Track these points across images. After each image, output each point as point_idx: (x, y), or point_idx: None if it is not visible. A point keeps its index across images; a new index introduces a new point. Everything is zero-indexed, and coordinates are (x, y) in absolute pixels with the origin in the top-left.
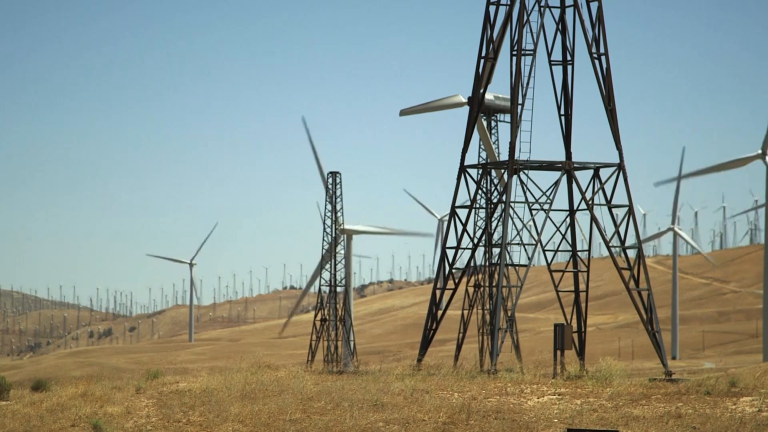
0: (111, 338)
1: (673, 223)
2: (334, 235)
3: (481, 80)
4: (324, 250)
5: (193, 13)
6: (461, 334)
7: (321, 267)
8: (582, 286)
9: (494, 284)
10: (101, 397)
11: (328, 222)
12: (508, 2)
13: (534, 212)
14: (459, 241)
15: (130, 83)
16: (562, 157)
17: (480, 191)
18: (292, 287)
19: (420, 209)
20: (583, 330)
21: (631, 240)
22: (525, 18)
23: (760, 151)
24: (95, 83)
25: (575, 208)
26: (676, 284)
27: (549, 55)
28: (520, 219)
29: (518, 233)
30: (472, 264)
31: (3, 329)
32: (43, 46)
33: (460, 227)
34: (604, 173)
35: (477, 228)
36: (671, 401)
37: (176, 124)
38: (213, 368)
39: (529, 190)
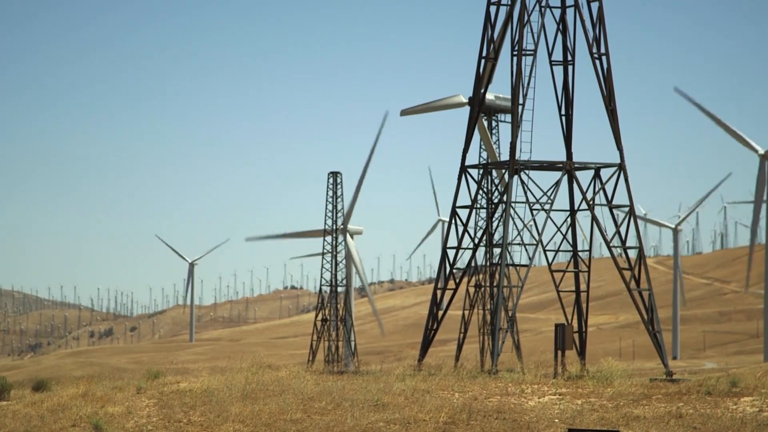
0: (112, 338)
1: (676, 224)
2: (334, 231)
3: (482, 80)
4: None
5: (196, 11)
6: (462, 335)
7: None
8: (583, 286)
9: (495, 284)
10: (102, 397)
11: (329, 222)
12: (509, 2)
13: (535, 212)
14: (460, 241)
15: (130, 84)
16: (563, 157)
17: (481, 191)
18: (292, 287)
19: (419, 209)
20: (583, 330)
21: (632, 240)
22: (526, 18)
23: (762, 151)
24: (95, 83)
25: (576, 208)
26: (676, 284)
27: (550, 55)
28: (520, 219)
29: (519, 233)
30: (472, 264)
31: (4, 329)
32: (43, 46)
33: (461, 227)
34: (604, 173)
35: (478, 228)
36: (672, 401)
37: (177, 124)
38: (214, 368)
39: (530, 190)
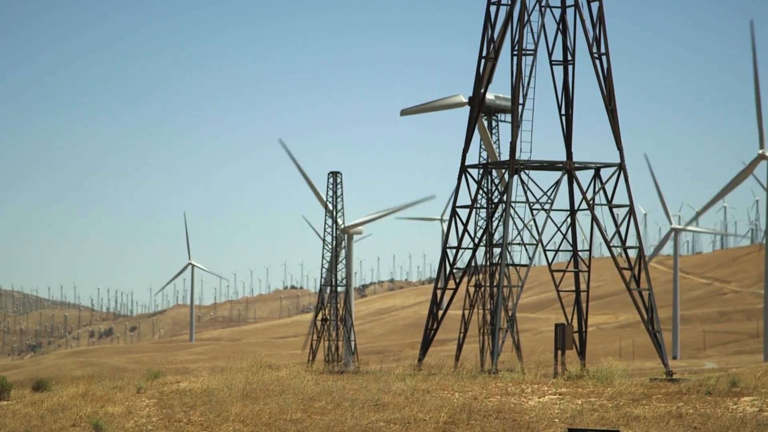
0: (112, 338)
1: (673, 222)
2: (334, 231)
3: (482, 80)
4: (330, 246)
5: (196, 11)
6: (462, 334)
7: (333, 265)
8: (583, 286)
9: (495, 284)
10: (102, 397)
11: (329, 222)
12: (509, 2)
13: (535, 212)
14: (460, 241)
15: (130, 83)
16: (563, 157)
17: (481, 191)
18: (292, 287)
19: (419, 209)
20: (583, 330)
21: (632, 240)
22: (526, 18)
23: (760, 151)
24: (95, 83)
25: (576, 208)
26: (677, 284)
27: (550, 54)
28: (521, 219)
29: (519, 233)
30: (472, 264)
31: (4, 329)
32: (43, 46)
33: (461, 227)
34: (604, 173)
35: (478, 228)
36: (672, 401)
37: (177, 124)
38: (214, 368)
39: (530, 190)
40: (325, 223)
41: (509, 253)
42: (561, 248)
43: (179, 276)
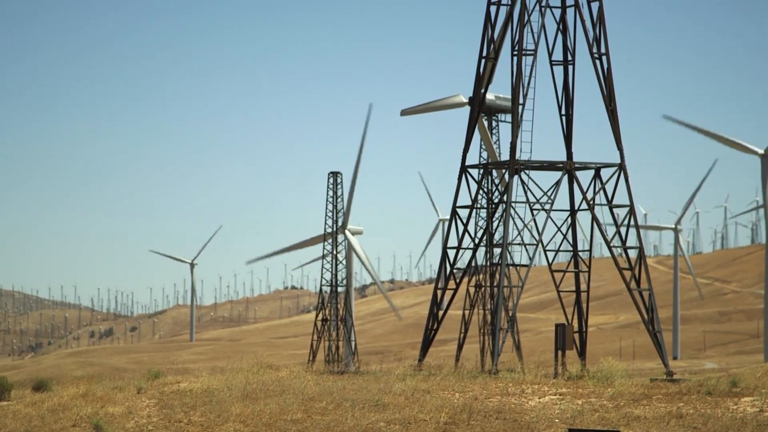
0: (112, 338)
1: (676, 223)
2: (335, 231)
3: (482, 80)
4: (325, 233)
5: (196, 11)
6: (462, 335)
7: (324, 238)
8: (583, 286)
9: (495, 284)
10: (102, 397)
11: (329, 222)
12: (509, 2)
13: (535, 212)
14: (460, 241)
15: (130, 83)
16: (563, 157)
17: (481, 191)
18: (293, 287)
19: (419, 209)
20: (584, 330)
21: (632, 240)
22: (526, 18)
23: (762, 151)
24: (95, 83)
25: (576, 208)
26: (677, 284)
27: (550, 55)
28: (521, 219)
29: (519, 233)
30: (473, 264)
31: (4, 329)
32: (43, 46)
33: (461, 227)
34: (605, 173)
35: (478, 228)
36: (672, 401)
37: (177, 124)
38: (214, 368)
39: (530, 190)
40: (325, 223)
41: (509, 253)
42: (561, 248)
43: (175, 260)
